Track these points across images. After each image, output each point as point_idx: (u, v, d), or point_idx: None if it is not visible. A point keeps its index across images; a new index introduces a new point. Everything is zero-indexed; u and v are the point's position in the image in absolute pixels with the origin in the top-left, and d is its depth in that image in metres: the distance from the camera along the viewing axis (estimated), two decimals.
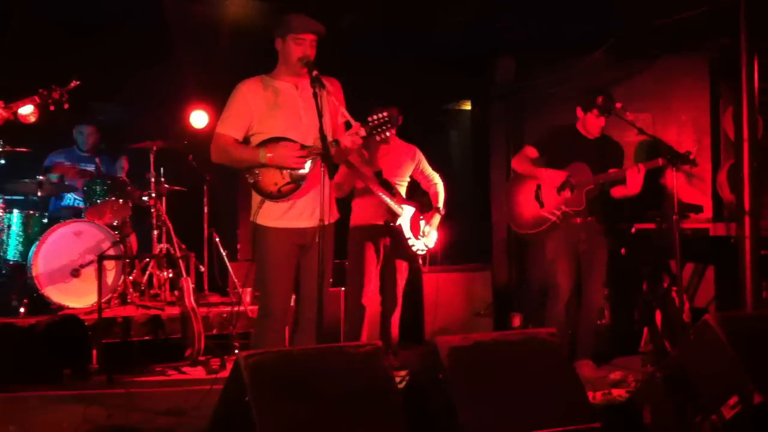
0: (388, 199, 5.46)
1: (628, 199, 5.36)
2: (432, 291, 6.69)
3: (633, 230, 5.97)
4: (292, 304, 4.27)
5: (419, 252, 5.63)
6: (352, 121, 4.05)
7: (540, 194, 5.43)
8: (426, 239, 5.65)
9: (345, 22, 6.26)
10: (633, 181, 5.14)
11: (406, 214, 5.56)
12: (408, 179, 5.77)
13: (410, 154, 5.77)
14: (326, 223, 3.96)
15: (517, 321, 6.85)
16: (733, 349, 3.43)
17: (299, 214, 4.10)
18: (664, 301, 5.71)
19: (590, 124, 5.37)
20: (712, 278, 6.55)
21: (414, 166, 5.78)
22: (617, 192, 5.34)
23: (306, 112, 4.09)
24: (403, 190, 5.70)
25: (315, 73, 3.95)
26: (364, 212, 5.58)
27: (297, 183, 4.04)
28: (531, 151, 5.49)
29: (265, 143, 4.03)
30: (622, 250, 5.97)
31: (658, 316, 5.69)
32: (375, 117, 3.94)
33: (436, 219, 5.72)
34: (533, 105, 7.38)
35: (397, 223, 5.52)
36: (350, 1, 6.29)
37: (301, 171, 4.02)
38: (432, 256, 6.04)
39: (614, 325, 6.23)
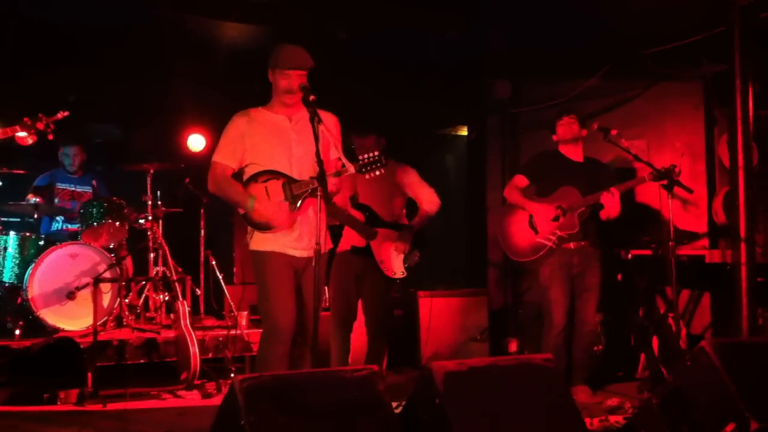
0: (352, 223, 5.32)
1: (623, 224, 5.40)
2: (427, 315, 6.67)
3: (629, 256, 5.98)
4: None
5: (396, 274, 5.40)
6: (344, 160, 4.09)
7: (534, 222, 5.45)
8: (399, 262, 5.41)
9: (339, 36, 6.29)
10: (610, 204, 5.22)
11: (379, 238, 5.37)
12: (391, 200, 5.51)
13: (399, 175, 5.55)
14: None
15: (513, 346, 6.83)
16: (729, 376, 3.43)
17: (289, 245, 4.17)
18: (660, 327, 5.72)
19: (562, 132, 5.48)
20: (708, 305, 6.56)
21: (403, 186, 5.55)
22: (602, 215, 5.38)
23: (298, 144, 4.18)
24: (386, 211, 5.46)
25: (312, 98, 3.98)
26: (343, 239, 5.50)
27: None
28: (520, 180, 5.57)
29: (255, 177, 4.14)
30: (618, 276, 5.98)
31: (655, 342, 5.69)
32: (366, 156, 4.02)
33: (408, 237, 5.43)
34: (529, 129, 7.40)
35: (368, 248, 5.36)
36: (344, 24, 6.33)
37: (292, 202, 4.10)
38: (426, 279, 6.00)
39: (610, 350, 6.22)
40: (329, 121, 4.22)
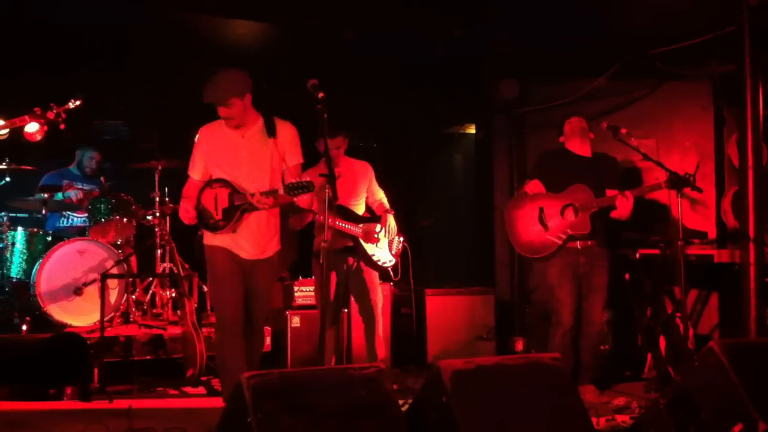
0: (343, 226, 5.48)
1: (631, 223, 5.40)
2: (435, 314, 6.67)
3: (637, 256, 5.96)
4: None
5: (386, 264, 5.63)
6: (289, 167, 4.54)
7: (544, 217, 5.42)
8: (390, 246, 5.66)
9: (347, 36, 6.29)
10: (623, 207, 5.26)
11: (364, 232, 5.58)
12: (364, 196, 5.75)
13: (363, 172, 5.77)
14: (264, 257, 4.57)
15: (519, 345, 6.81)
16: (737, 377, 3.42)
17: (238, 249, 4.57)
18: (667, 327, 5.70)
19: (570, 129, 5.53)
20: (716, 305, 6.53)
21: (368, 183, 5.78)
22: (612, 214, 5.40)
23: (249, 159, 4.55)
24: (360, 208, 5.70)
25: (321, 95, 4.12)
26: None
27: (226, 221, 4.50)
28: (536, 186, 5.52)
29: (211, 183, 4.57)
30: (626, 276, 5.96)
31: (662, 341, 5.68)
32: (295, 182, 4.27)
33: (391, 220, 5.70)
34: (537, 128, 7.39)
35: (358, 245, 5.54)
36: (351, 23, 6.32)
37: (232, 211, 4.46)
38: (433, 278, 5.99)
39: (617, 350, 6.21)
40: (285, 131, 4.60)
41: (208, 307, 6.99)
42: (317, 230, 5.57)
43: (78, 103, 5.28)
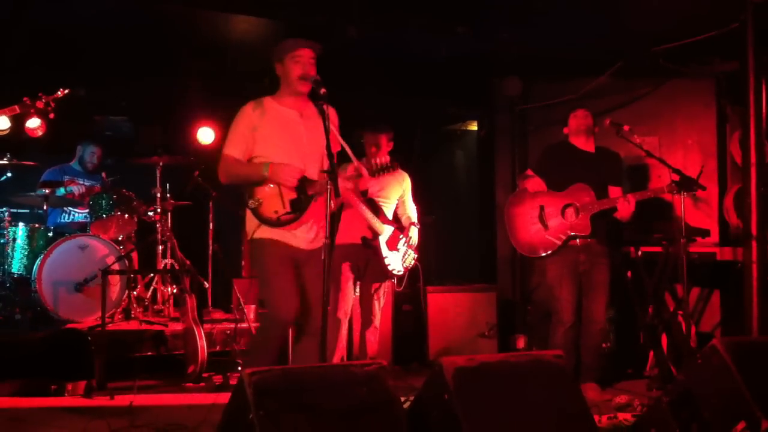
0: (369, 216, 5.52)
1: (634, 221, 5.40)
2: (436, 311, 6.67)
3: (639, 253, 5.95)
4: None
5: (396, 272, 5.63)
6: (358, 163, 4.17)
7: (544, 216, 5.41)
8: (404, 258, 5.67)
9: (350, 33, 6.27)
10: (624, 210, 5.26)
11: (385, 233, 5.59)
12: (394, 202, 5.80)
13: (399, 180, 5.80)
14: (320, 245, 4.00)
15: (521, 342, 6.82)
16: (740, 375, 3.41)
17: (294, 240, 4.14)
18: (669, 325, 5.69)
19: (575, 124, 5.50)
20: (718, 303, 6.53)
21: (401, 192, 5.82)
22: (614, 214, 5.39)
23: (309, 140, 4.15)
24: (388, 211, 5.73)
25: (323, 91, 3.98)
26: (344, 230, 5.55)
27: (297, 214, 4.08)
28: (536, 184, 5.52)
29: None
30: (628, 273, 5.95)
31: (664, 339, 5.67)
32: (379, 163, 4.08)
33: (414, 232, 5.72)
34: (539, 125, 7.38)
35: (376, 242, 5.57)
36: (355, 20, 6.31)
37: (304, 201, 4.07)
38: (435, 275, 6.01)
39: (619, 348, 6.20)
40: (334, 116, 4.21)
41: (209, 304, 7.00)
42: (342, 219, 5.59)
43: (66, 91, 5.21)
